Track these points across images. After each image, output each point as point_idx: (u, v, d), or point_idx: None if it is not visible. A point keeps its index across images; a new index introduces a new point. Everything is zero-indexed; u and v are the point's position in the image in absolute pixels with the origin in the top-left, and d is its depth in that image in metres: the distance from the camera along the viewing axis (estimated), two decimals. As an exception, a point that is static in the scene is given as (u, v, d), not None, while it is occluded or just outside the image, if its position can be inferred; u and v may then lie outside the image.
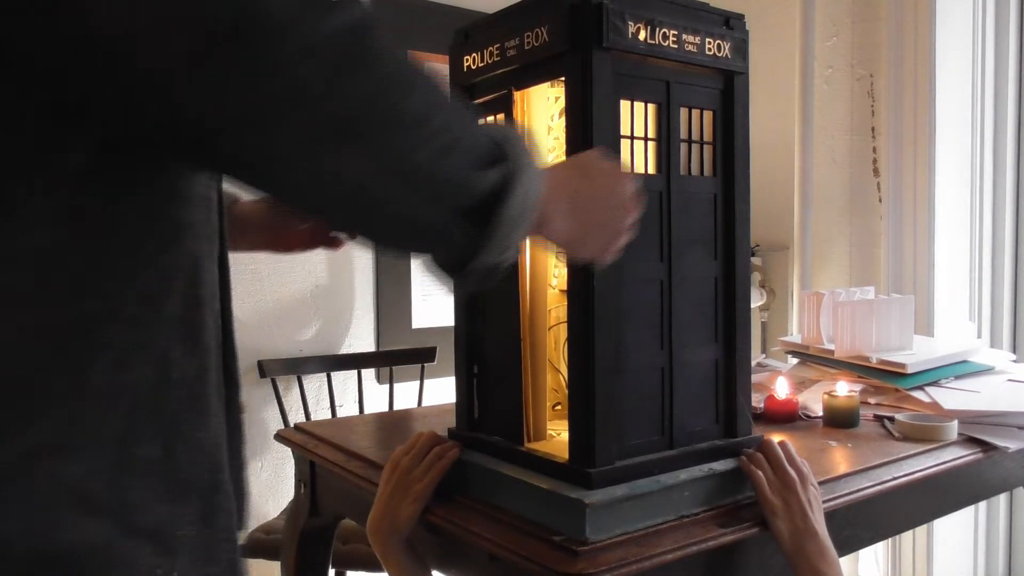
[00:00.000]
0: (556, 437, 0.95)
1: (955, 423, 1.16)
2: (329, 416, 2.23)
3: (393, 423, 1.39)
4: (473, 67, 0.94)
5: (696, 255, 0.90)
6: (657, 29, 0.83)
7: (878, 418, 1.26)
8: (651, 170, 0.86)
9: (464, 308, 0.98)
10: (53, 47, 0.43)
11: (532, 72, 0.87)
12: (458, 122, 0.55)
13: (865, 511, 0.97)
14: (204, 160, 0.51)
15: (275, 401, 2.13)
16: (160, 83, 0.44)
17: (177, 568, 0.52)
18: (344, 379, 2.36)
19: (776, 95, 2.28)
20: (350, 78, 0.47)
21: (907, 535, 2.02)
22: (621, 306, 0.83)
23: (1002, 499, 2.11)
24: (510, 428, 0.92)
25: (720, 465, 0.88)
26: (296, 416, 2.23)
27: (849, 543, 0.98)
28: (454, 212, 0.54)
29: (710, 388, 0.92)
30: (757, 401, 1.25)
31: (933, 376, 1.39)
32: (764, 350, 2.27)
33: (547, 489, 0.82)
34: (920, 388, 1.36)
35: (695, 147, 0.90)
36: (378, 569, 1.69)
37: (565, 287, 0.86)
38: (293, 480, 1.27)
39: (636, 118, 0.85)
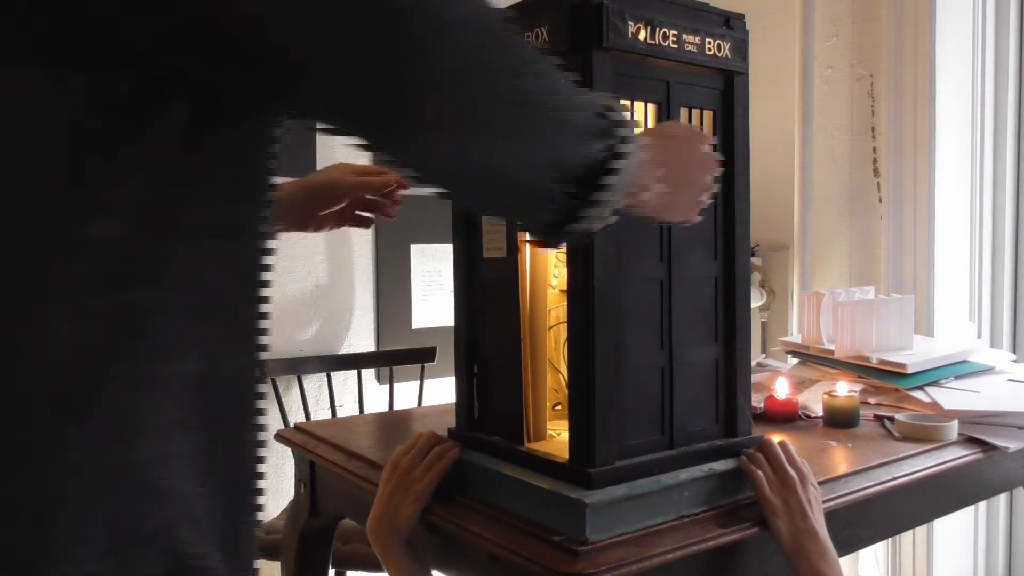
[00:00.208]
0: (556, 437, 0.95)
1: (955, 423, 1.16)
2: (329, 416, 2.23)
3: (393, 423, 1.39)
4: (473, 67, 0.94)
5: (696, 255, 0.90)
6: (657, 29, 0.83)
7: (878, 418, 1.26)
8: (651, 170, 0.86)
9: (464, 308, 0.98)
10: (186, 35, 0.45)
11: (532, 72, 0.87)
12: (570, 97, 0.58)
13: (865, 511, 0.98)
14: (339, 128, 0.54)
15: (275, 401, 2.13)
16: (306, 68, 0.47)
17: (212, 560, 0.52)
18: (344, 379, 2.36)
19: (776, 95, 2.28)
20: (482, 59, 0.51)
21: (907, 535, 2.02)
22: (621, 306, 0.83)
23: (1002, 499, 2.11)
24: (510, 428, 0.92)
25: (720, 465, 0.89)
26: (296, 416, 2.23)
27: (849, 543, 0.98)
28: (564, 181, 0.58)
29: (710, 388, 0.92)
30: (757, 401, 1.25)
31: (933, 376, 1.39)
32: (764, 350, 2.27)
33: (547, 489, 0.82)
34: (920, 388, 1.36)
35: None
36: (378, 569, 1.69)
37: (565, 287, 0.86)
38: (293, 480, 1.27)
39: (636, 118, 0.85)
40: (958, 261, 2.08)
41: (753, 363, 1.37)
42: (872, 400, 1.36)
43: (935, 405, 1.28)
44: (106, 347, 0.47)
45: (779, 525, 0.84)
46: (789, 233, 2.29)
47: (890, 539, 2.02)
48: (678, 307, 0.88)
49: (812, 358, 1.56)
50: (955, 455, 1.10)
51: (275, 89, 0.50)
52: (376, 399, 2.40)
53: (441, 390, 2.35)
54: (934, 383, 1.38)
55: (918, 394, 1.34)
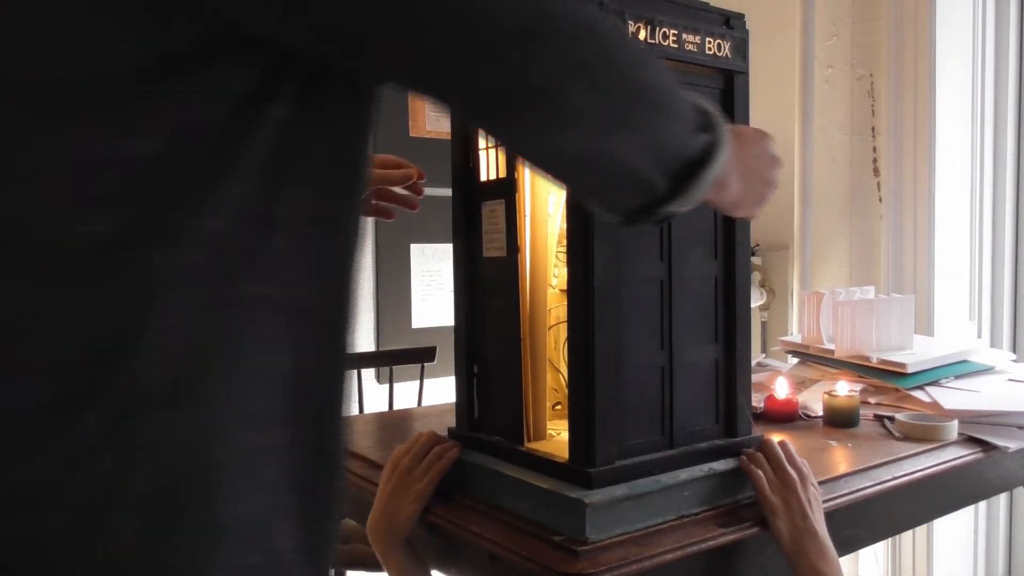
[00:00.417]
0: (556, 437, 0.95)
1: (955, 423, 1.16)
2: (329, 416, 2.22)
3: (393, 423, 1.39)
4: (473, 67, 0.94)
5: (696, 255, 0.90)
6: (657, 28, 0.83)
7: (878, 418, 1.26)
8: (651, 170, 0.86)
9: (464, 308, 0.98)
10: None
11: (532, 72, 0.87)
12: (676, 91, 0.62)
13: (865, 511, 0.97)
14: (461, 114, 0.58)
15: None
16: (447, 62, 0.50)
17: (298, 556, 0.54)
18: (344, 379, 2.35)
19: (776, 95, 2.28)
20: (612, 55, 0.55)
21: (907, 535, 2.02)
22: (621, 306, 0.83)
23: (1002, 499, 2.11)
24: (510, 428, 0.92)
25: (720, 465, 0.88)
26: (296, 416, 2.23)
27: (849, 543, 0.98)
28: (666, 171, 0.61)
29: (710, 388, 0.92)
30: (757, 401, 1.25)
31: (933, 376, 1.39)
32: (764, 350, 2.27)
33: (547, 489, 0.82)
34: (920, 388, 1.36)
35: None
36: (378, 569, 1.68)
37: (565, 287, 0.86)
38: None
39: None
40: (958, 261, 2.08)
41: (753, 363, 1.37)
42: (872, 400, 1.36)
43: (935, 405, 1.28)
44: (212, 338, 0.49)
45: (779, 525, 0.84)
46: (789, 233, 2.29)
47: (890, 539, 2.02)
48: (678, 307, 0.88)
49: (812, 358, 1.55)
50: (955, 455, 1.10)
51: (415, 82, 0.53)
52: (376, 399, 2.40)
53: (441, 390, 2.35)
54: (934, 383, 1.38)
55: (918, 394, 1.34)
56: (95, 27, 0.45)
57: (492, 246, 0.94)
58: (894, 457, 1.05)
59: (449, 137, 0.98)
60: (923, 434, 1.14)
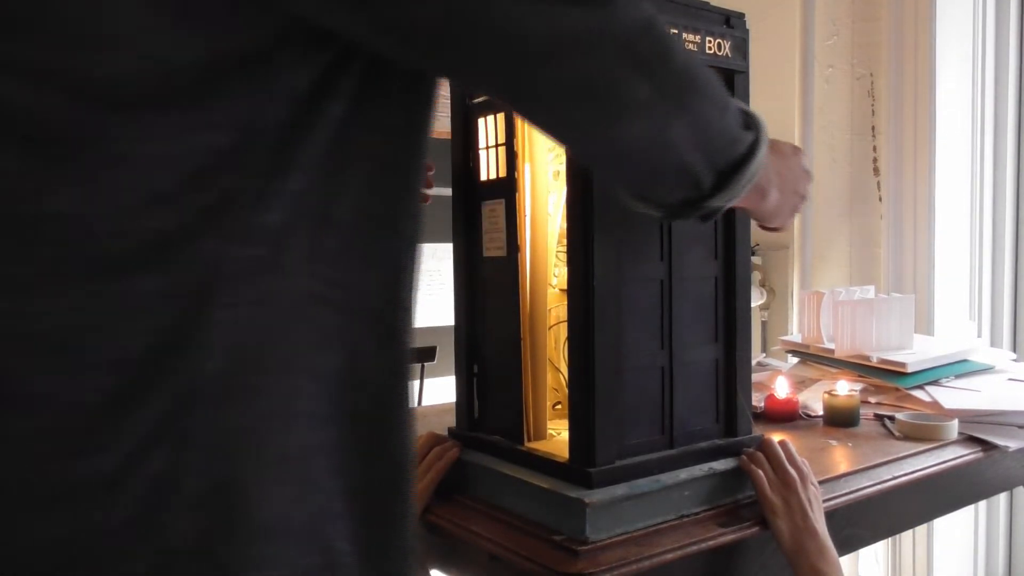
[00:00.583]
0: (556, 437, 0.95)
1: (955, 422, 1.16)
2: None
3: (393, 423, 1.38)
4: (473, 66, 0.94)
5: (696, 255, 0.90)
6: (657, 28, 0.83)
7: (878, 417, 1.26)
8: (651, 169, 0.86)
9: (464, 308, 0.98)
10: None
11: (532, 71, 0.87)
12: (722, 89, 0.64)
13: (865, 510, 0.97)
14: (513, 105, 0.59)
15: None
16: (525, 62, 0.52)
17: (352, 559, 0.53)
18: (344, 379, 2.35)
19: (776, 94, 2.28)
20: (669, 49, 0.57)
21: (907, 535, 2.02)
22: (621, 306, 0.83)
23: (1002, 499, 2.11)
24: (510, 428, 0.92)
25: (720, 464, 0.88)
26: (296, 416, 2.23)
27: (849, 542, 0.98)
28: (713, 165, 0.63)
29: (710, 388, 0.92)
30: (757, 400, 1.25)
31: (933, 375, 1.40)
32: (764, 349, 2.27)
33: (547, 489, 0.82)
34: (920, 387, 1.36)
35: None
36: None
37: (565, 287, 0.86)
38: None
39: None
40: (958, 260, 2.08)
41: (753, 362, 1.37)
42: (872, 399, 1.36)
43: (935, 404, 1.28)
44: (268, 334, 0.49)
45: (779, 524, 0.84)
46: (789, 232, 2.29)
47: (890, 539, 2.02)
48: (678, 307, 0.88)
49: (812, 357, 1.55)
50: (955, 454, 1.10)
51: (479, 80, 0.56)
52: (376, 399, 2.39)
53: (441, 390, 2.35)
54: (934, 382, 1.38)
55: (918, 393, 1.34)
56: (171, 26, 0.46)
57: (492, 246, 0.94)
58: (894, 457, 1.05)
59: (449, 137, 0.98)
60: (923, 434, 1.14)
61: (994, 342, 2.09)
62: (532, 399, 0.93)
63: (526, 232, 0.93)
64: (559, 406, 1.04)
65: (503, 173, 0.92)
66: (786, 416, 1.26)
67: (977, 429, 1.17)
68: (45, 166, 0.46)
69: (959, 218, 2.07)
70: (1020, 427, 1.19)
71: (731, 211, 0.91)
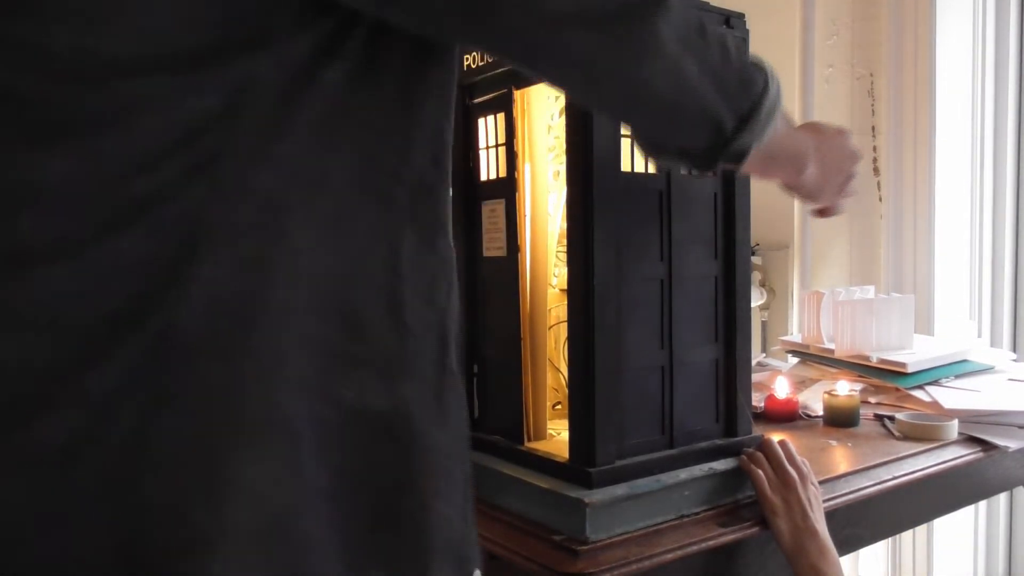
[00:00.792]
0: (556, 436, 0.95)
1: (955, 422, 1.16)
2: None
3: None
4: (473, 66, 0.94)
5: (696, 255, 0.90)
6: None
7: (878, 417, 1.26)
8: (651, 170, 0.86)
9: (464, 308, 0.98)
10: None
11: (532, 71, 0.87)
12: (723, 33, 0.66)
13: (865, 510, 0.97)
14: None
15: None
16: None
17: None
18: (344, 379, 2.35)
19: (776, 95, 2.28)
20: (683, 16, 0.59)
21: (907, 535, 2.02)
22: (621, 306, 0.83)
23: (1002, 499, 2.11)
24: (510, 427, 0.92)
25: (720, 464, 0.88)
26: (296, 416, 2.22)
27: (849, 542, 0.98)
28: (731, 104, 0.63)
29: (710, 387, 0.92)
30: (757, 400, 1.25)
31: (933, 375, 1.39)
32: (764, 349, 2.27)
33: (547, 488, 0.82)
34: (920, 387, 1.36)
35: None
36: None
37: (565, 287, 0.86)
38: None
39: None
40: (958, 261, 2.07)
41: (753, 362, 1.37)
42: (872, 399, 1.36)
43: (935, 404, 1.28)
44: (255, 295, 0.48)
45: (779, 524, 0.84)
46: (789, 232, 2.28)
47: (890, 539, 2.02)
48: (678, 307, 0.88)
49: (812, 357, 1.55)
50: (955, 454, 1.10)
51: (508, 49, 0.56)
52: (376, 399, 2.39)
53: (441, 390, 2.34)
54: (934, 382, 1.38)
55: (918, 393, 1.34)
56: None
57: (492, 246, 0.94)
58: (894, 457, 1.05)
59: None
60: (923, 434, 1.14)
61: (994, 342, 2.09)
62: (532, 399, 0.93)
63: (526, 232, 0.93)
64: (559, 406, 1.04)
65: (503, 173, 0.92)
66: (786, 416, 1.26)
67: (977, 429, 1.17)
68: (31, 137, 0.46)
69: (959, 218, 2.07)
70: (1020, 427, 1.19)
71: (731, 210, 0.91)
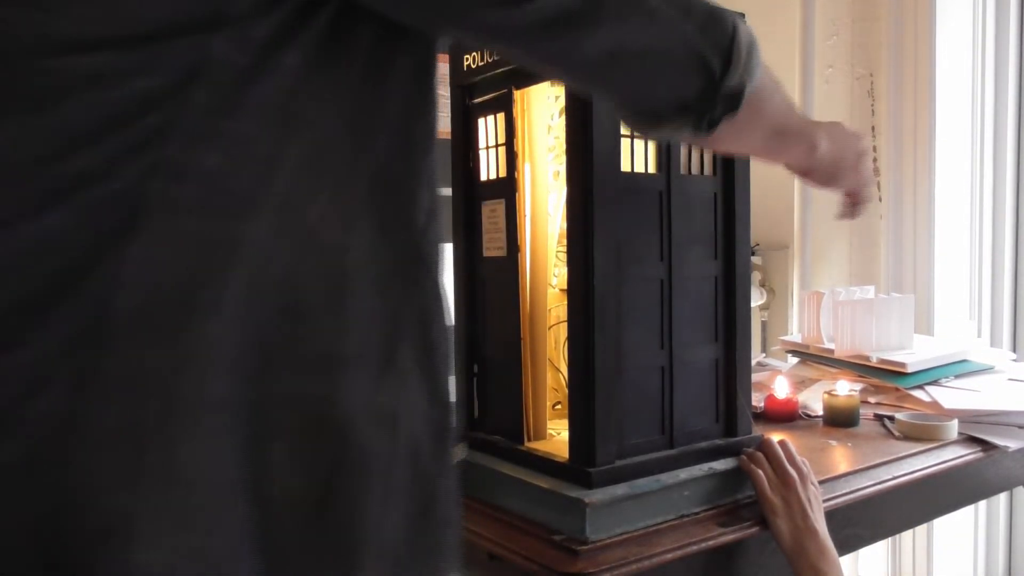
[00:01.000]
0: (556, 436, 0.95)
1: (955, 422, 1.16)
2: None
3: (393, 423, 1.38)
4: (473, 66, 0.94)
5: (696, 255, 0.90)
6: (657, 28, 0.82)
7: (878, 417, 1.26)
8: (651, 169, 0.86)
9: (464, 308, 0.98)
10: None
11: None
12: None
13: (865, 510, 0.97)
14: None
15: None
16: None
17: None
18: (344, 379, 2.35)
19: (776, 95, 2.28)
20: None
21: (907, 535, 2.02)
22: (621, 306, 0.83)
23: (1002, 499, 2.11)
24: (510, 427, 0.92)
25: (720, 464, 0.89)
26: (296, 416, 2.22)
27: (849, 542, 0.98)
28: (715, 41, 0.61)
29: (710, 388, 0.92)
30: (757, 400, 1.25)
31: (933, 375, 1.39)
32: (764, 349, 2.27)
33: (547, 488, 0.82)
34: (920, 387, 1.36)
35: (695, 146, 0.90)
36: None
37: (565, 287, 0.86)
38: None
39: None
40: (958, 261, 2.08)
41: (753, 362, 1.37)
42: (872, 399, 1.36)
43: (935, 404, 1.28)
44: (196, 276, 0.47)
45: (779, 524, 0.84)
46: (789, 232, 2.28)
47: (890, 539, 2.02)
48: (678, 307, 0.88)
49: (812, 357, 1.55)
50: (955, 454, 1.10)
51: (447, 17, 0.55)
52: (376, 399, 2.39)
53: (441, 390, 2.34)
54: (934, 382, 1.38)
55: (918, 393, 1.34)
56: None
57: (492, 246, 0.94)
58: (894, 457, 1.05)
59: (449, 137, 0.98)
60: (923, 434, 1.14)
61: (994, 342, 2.09)
62: (532, 399, 0.93)
63: (526, 232, 0.93)
64: (559, 406, 1.04)
65: (503, 173, 0.92)
66: (786, 416, 1.26)
67: (977, 429, 1.17)
68: None
69: (959, 218, 2.07)
70: (1020, 427, 1.19)
71: (731, 210, 0.91)
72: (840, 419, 1.22)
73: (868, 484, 0.98)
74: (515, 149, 0.91)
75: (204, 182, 0.47)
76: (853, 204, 0.81)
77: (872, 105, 2.14)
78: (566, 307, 0.85)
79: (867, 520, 0.99)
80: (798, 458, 0.89)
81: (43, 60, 0.45)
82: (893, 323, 1.47)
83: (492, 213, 0.94)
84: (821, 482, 0.91)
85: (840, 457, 1.07)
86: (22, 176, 0.45)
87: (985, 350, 1.61)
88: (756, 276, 2.29)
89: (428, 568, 0.59)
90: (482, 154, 0.95)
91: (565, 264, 0.86)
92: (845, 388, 1.28)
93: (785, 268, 2.32)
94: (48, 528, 0.44)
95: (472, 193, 0.97)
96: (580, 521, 0.77)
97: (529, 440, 0.92)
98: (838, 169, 0.75)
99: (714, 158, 0.91)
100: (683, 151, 0.89)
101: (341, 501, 0.52)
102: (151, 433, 0.45)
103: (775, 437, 0.92)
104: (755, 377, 1.33)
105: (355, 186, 0.54)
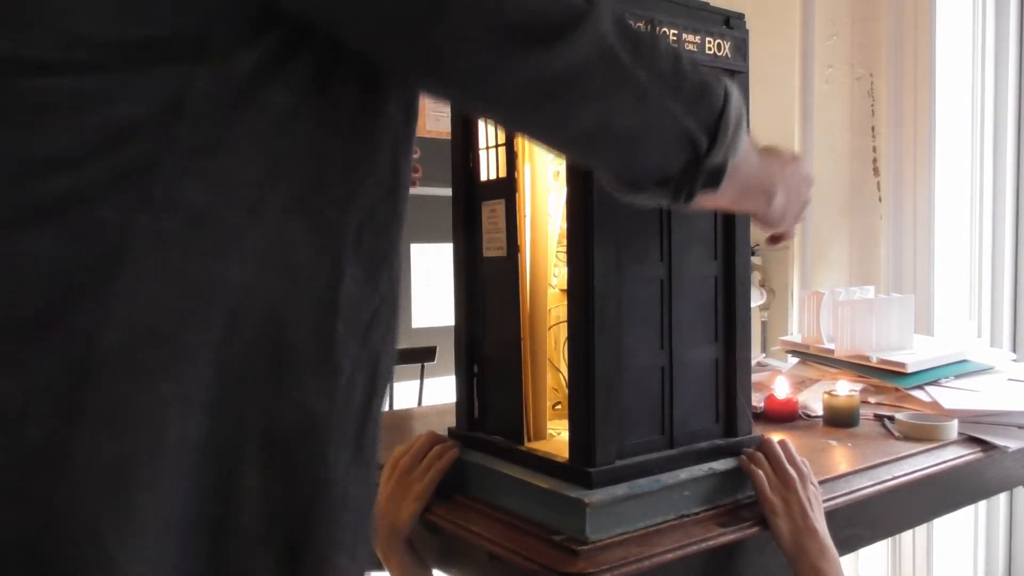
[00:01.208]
0: (556, 436, 0.95)
1: (955, 422, 1.16)
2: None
3: (393, 423, 1.38)
4: (473, 67, 0.94)
5: (696, 255, 0.90)
6: (657, 28, 0.83)
7: (878, 417, 1.26)
8: (651, 170, 0.86)
9: (464, 308, 0.98)
10: None
11: (532, 72, 0.87)
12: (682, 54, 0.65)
13: (865, 510, 0.97)
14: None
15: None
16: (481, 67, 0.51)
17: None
18: (344, 379, 2.35)
19: (776, 94, 2.28)
20: (641, 38, 0.58)
21: (907, 535, 2.02)
22: (621, 306, 0.83)
23: (1002, 499, 2.11)
24: (510, 427, 0.92)
25: (720, 464, 0.88)
26: (296, 416, 2.22)
27: (849, 542, 0.98)
28: (702, 120, 0.62)
29: (710, 388, 0.92)
30: (757, 401, 1.25)
31: (933, 375, 1.40)
32: (764, 349, 2.27)
33: (547, 488, 0.82)
34: (920, 387, 1.36)
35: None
36: (378, 569, 1.69)
37: (565, 287, 0.86)
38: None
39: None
40: (958, 261, 2.08)
41: (753, 363, 1.37)
42: (872, 399, 1.36)
43: (935, 404, 1.28)
44: (177, 315, 0.47)
45: (779, 524, 0.84)
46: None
47: (890, 539, 2.02)
48: (678, 307, 0.88)
49: (812, 357, 1.55)
50: (955, 454, 1.10)
51: (446, 82, 0.55)
52: (376, 399, 2.39)
53: (441, 389, 2.35)
54: (934, 382, 1.38)
55: (918, 393, 1.34)
56: (95, 5, 0.45)
57: (492, 246, 0.94)
58: (894, 457, 1.05)
59: (449, 137, 0.98)
60: (923, 434, 1.14)
61: (994, 342, 2.09)
62: (532, 399, 0.93)
63: (526, 232, 0.93)
64: (559, 406, 1.04)
65: (503, 173, 0.92)
66: (786, 416, 1.26)
67: (977, 429, 1.17)
68: None
69: (959, 218, 2.08)
70: (1020, 427, 1.19)
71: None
72: (840, 419, 1.22)
73: (868, 484, 0.98)
74: (515, 149, 0.91)
75: (190, 219, 0.47)
76: (778, 241, 0.84)
77: (872, 105, 2.14)
78: (566, 307, 0.85)
79: (867, 520, 0.99)
80: (798, 458, 0.89)
81: (22, 79, 0.45)
82: (893, 323, 1.47)
83: (492, 213, 0.94)
84: (821, 482, 0.91)
85: (840, 457, 1.07)
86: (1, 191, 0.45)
87: (985, 350, 1.61)
88: (756, 276, 2.29)
89: None
90: (482, 154, 0.95)
91: (565, 264, 0.86)
92: (845, 388, 1.28)
93: (785, 268, 2.32)
94: (28, 565, 0.44)
95: (472, 193, 0.97)
96: (580, 521, 0.77)
97: (529, 440, 0.92)
98: (784, 218, 0.78)
99: (714, 158, 0.91)
100: (683, 151, 0.89)
101: (316, 551, 0.53)
102: (134, 473, 0.46)
103: (775, 437, 0.92)
104: (755, 377, 1.33)
105: (343, 230, 0.54)
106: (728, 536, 0.82)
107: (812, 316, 1.56)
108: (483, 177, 0.95)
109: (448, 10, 0.49)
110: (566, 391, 0.89)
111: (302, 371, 0.52)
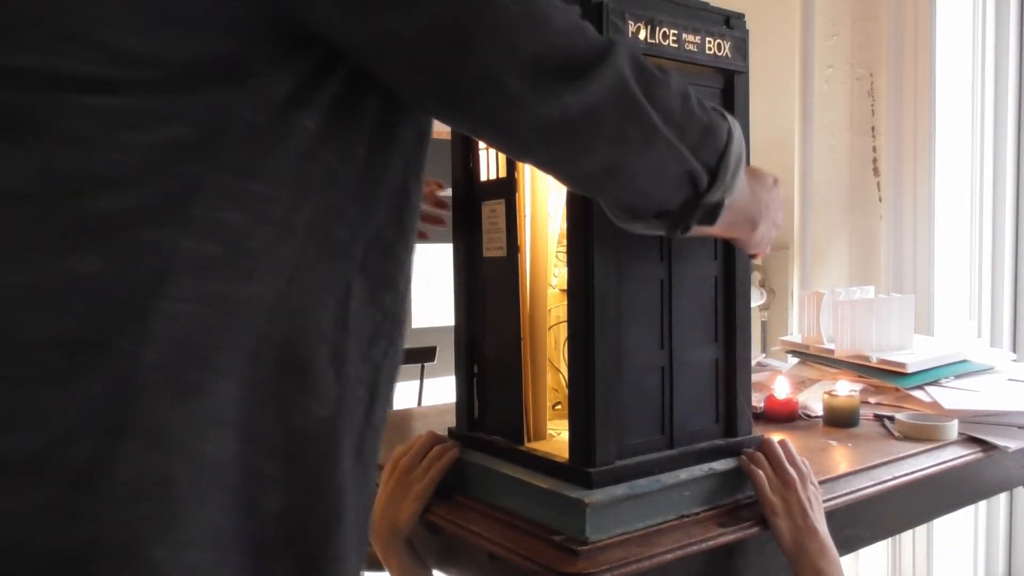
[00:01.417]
0: (556, 437, 0.95)
1: (955, 422, 1.16)
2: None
3: (393, 423, 1.38)
4: (473, 67, 0.94)
5: (696, 255, 0.90)
6: (657, 28, 0.83)
7: (878, 417, 1.26)
8: (651, 170, 0.86)
9: (464, 308, 0.98)
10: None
11: (532, 72, 0.87)
12: (690, 90, 0.66)
13: (865, 511, 0.97)
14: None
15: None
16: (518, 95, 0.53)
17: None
18: (344, 379, 2.35)
19: (776, 94, 2.28)
20: (655, 78, 0.61)
21: (907, 535, 2.02)
22: (621, 306, 0.83)
23: (1002, 499, 2.11)
24: (510, 428, 0.92)
25: (720, 465, 0.88)
26: (296, 416, 2.22)
27: (849, 542, 0.98)
28: (705, 159, 0.65)
29: (710, 388, 0.92)
30: (757, 401, 1.25)
31: (933, 375, 1.39)
32: (764, 350, 2.27)
33: (547, 489, 0.82)
34: (920, 387, 1.36)
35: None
36: (378, 569, 1.68)
37: (565, 287, 0.86)
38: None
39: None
40: (958, 261, 2.08)
41: (753, 363, 1.37)
42: (872, 399, 1.36)
43: (935, 404, 1.28)
44: (214, 334, 0.48)
45: (779, 524, 0.83)
46: (789, 232, 2.28)
47: (890, 539, 2.02)
48: (678, 307, 0.88)
49: (812, 357, 1.55)
50: (955, 455, 1.10)
51: (482, 118, 0.56)
52: (376, 399, 2.39)
53: (441, 390, 2.35)
54: (934, 382, 1.38)
55: (918, 393, 1.34)
56: (143, 26, 0.46)
57: (492, 246, 0.94)
58: (894, 457, 1.05)
59: (449, 137, 0.98)
60: (923, 434, 1.14)
61: (994, 342, 2.09)
62: (532, 399, 0.93)
63: (526, 232, 0.93)
64: (559, 406, 1.04)
65: (503, 173, 0.92)
66: (786, 416, 1.26)
67: (977, 429, 1.17)
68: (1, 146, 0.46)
69: (959, 218, 2.07)
70: (1020, 427, 1.19)
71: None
72: (840, 419, 1.22)
73: (868, 484, 0.98)
74: (515, 149, 0.91)
75: (227, 241, 0.48)
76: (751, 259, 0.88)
77: (872, 105, 2.14)
78: (566, 307, 0.85)
79: (867, 520, 0.99)
80: (798, 458, 0.89)
81: (76, 96, 0.46)
82: (893, 323, 1.47)
83: (492, 213, 0.94)
84: (821, 482, 0.91)
85: (840, 457, 1.07)
86: (49, 209, 0.46)
87: (985, 350, 1.61)
88: (756, 276, 2.29)
89: None
90: (482, 154, 0.95)
91: (565, 264, 0.86)
92: (845, 388, 1.28)
93: (785, 268, 2.32)
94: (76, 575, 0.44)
95: (472, 193, 0.97)
96: (580, 521, 0.77)
97: (529, 440, 0.92)
98: (760, 245, 0.82)
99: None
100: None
101: (330, 555, 0.55)
102: (177, 488, 0.47)
103: (775, 437, 0.92)
104: (755, 377, 1.33)
105: (355, 251, 0.56)
106: (728, 536, 0.82)
107: (812, 316, 1.56)
108: (483, 177, 0.95)
109: (473, 45, 0.50)
110: (566, 391, 0.89)
111: (317, 386, 0.54)
